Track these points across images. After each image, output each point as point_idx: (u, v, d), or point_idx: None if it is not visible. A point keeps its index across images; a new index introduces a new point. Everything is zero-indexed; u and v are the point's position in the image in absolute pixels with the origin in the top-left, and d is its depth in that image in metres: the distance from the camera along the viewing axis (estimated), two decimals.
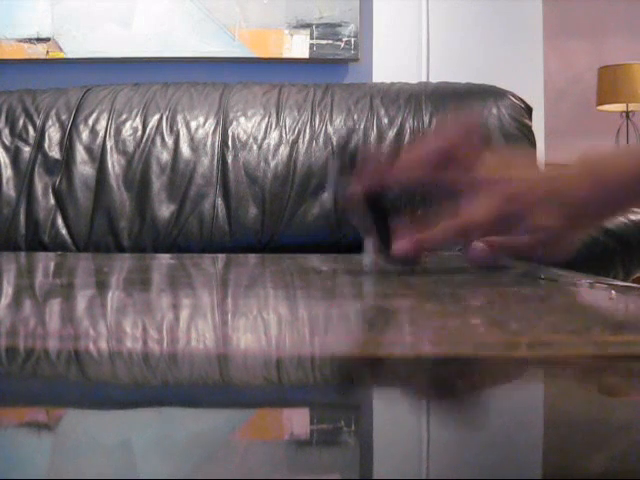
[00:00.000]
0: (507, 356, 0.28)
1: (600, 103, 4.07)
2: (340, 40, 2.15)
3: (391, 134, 1.77)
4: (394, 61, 2.19)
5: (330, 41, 2.15)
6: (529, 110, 1.85)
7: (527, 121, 1.83)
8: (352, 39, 2.15)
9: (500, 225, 0.57)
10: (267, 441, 0.19)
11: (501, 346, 0.30)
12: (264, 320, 0.38)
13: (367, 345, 0.31)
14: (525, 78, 2.17)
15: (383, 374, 0.26)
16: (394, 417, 0.21)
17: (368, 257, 0.60)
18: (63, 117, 1.81)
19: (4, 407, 0.22)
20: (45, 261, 0.96)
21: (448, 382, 0.25)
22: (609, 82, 3.97)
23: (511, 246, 0.58)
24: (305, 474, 0.17)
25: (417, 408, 0.22)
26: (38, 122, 1.81)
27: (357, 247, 0.72)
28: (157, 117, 1.81)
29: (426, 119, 1.78)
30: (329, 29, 2.16)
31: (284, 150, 1.77)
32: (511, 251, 0.59)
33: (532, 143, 1.82)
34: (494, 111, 1.79)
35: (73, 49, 2.13)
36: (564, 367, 0.27)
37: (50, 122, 1.81)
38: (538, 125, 2.02)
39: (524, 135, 1.80)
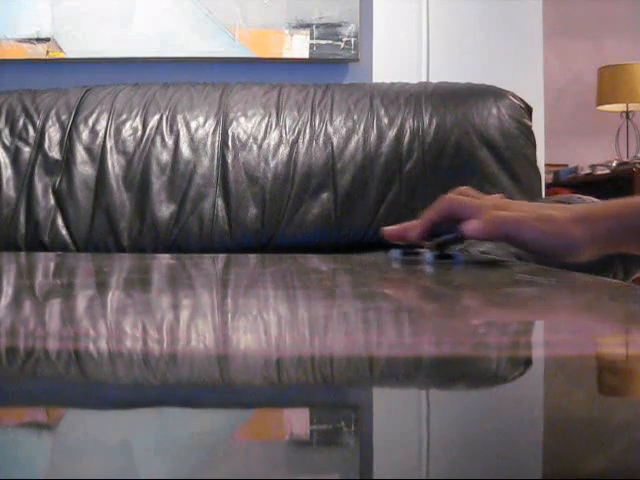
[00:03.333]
0: (506, 356, 0.28)
1: (600, 103, 4.08)
2: (340, 40, 2.15)
3: (391, 134, 1.77)
4: (394, 61, 2.19)
5: (330, 41, 2.15)
6: (529, 110, 1.85)
7: (527, 121, 1.83)
8: (352, 39, 2.15)
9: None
10: (267, 441, 0.19)
11: (501, 346, 0.30)
12: (264, 320, 0.38)
13: (367, 345, 0.31)
14: (525, 78, 2.17)
15: (383, 374, 0.26)
16: (394, 417, 0.21)
17: (394, 253, 0.75)
18: (63, 117, 1.81)
19: (4, 407, 0.22)
20: (45, 261, 0.96)
21: (448, 382, 0.25)
22: (609, 82, 3.97)
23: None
24: (305, 474, 0.17)
25: (417, 408, 0.22)
26: (38, 122, 1.81)
27: (355, 247, 0.82)
28: (157, 117, 1.81)
29: (426, 119, 1.78)
30: (329, 29, 2.16)
31: (284, 150, 1.77)
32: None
33: (532, 143, 1.83)
34: (494, 111, 1.79)
35: (73, 49, 2.13)
36: (563, 367, 0.27)
37: (50, 122, 1.81)
38: (538, 125, 2.02)
39: (524, 135, 1.80)
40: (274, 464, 0.17)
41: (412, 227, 0.71)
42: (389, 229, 0.73)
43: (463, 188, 0.75)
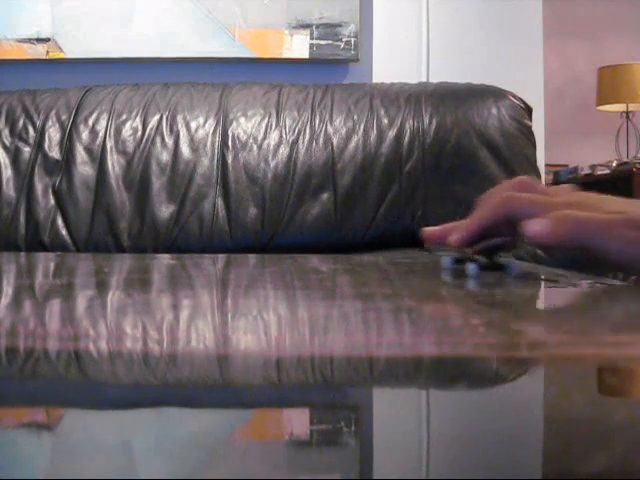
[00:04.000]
0: (508, 356, 0.28)
1: (600, 103, 4.08)
2: (340, 40, 2.15)
3: (391, 134, 1.77)
4: (394, 61, 2.19)
5: (330, 41, 2.15)
6: (529, 110, 1.85)
7: (527, 121, 1.83)
8: (352, 39, 2.15)
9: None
10: (267, 441, 0.19)
11: (502, 346, 0.30)
12: (264, 320, 0.38)
13: (367, 345, 0.31)
14: (525, 78, 2.17)
15: (383, 374, 0.26)
16: (394, 417, 0.21)
17: (445, 261, 0.59)
18: (63, 117, 1.81)
19: (4, 407, 0.22)
20: (45, 261, 0.96)
21: (448, 382, 0.25)
22: (609, 82, 3.97)
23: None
24: (305, 474, 0.17)
25: (417, 408, 0.22)
26: (38, 122, 1.81)
27: (356, 248, 0.75)
28: (157, 117, 1.81)
29: (426, 119, 1.78)
30: (329, 29, 2.16)
31: (284, 150, 1.77)
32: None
33: (532, 143, 1.83)
34: (494, 111, 1.79)
35: (73, 49, 2.13)
36: (564, 367, 0.27)
37: (50, 122, 1.81)
38: (538, 125, 2.02)
39: (524, 135, 1.80)
40: (274, 464, 0.17)
41: (457, 229, 0.57)
42: (429, 230, 0.60)
43: (522, 178, 0.60)
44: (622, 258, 0.50)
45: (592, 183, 3.76)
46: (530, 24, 2.23)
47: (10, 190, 1.77)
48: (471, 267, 0.54)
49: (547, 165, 2.62)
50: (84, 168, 1.77)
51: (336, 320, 0.37)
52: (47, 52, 2.13)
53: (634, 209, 0.52)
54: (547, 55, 2.32)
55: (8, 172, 1.78)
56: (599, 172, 3.85)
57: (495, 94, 1.83)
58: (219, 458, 0.17)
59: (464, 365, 0.27)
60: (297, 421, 0.21)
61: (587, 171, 3.95)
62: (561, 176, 4.09)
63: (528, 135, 1.81)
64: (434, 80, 1.98)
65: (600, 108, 4.12)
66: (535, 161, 1.83)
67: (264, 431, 0.20)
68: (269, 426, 0.20)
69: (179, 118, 1.80)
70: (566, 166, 4.10)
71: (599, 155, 4.04)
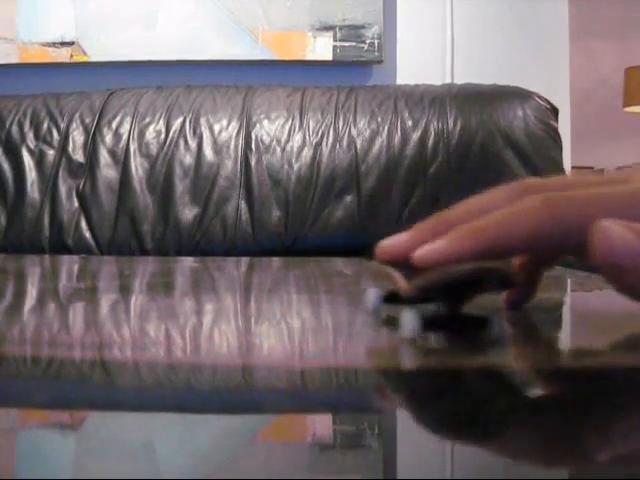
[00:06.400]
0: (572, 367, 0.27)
1: (627, 104, 4.03)
2: (364, 42, 2.14)
3: (415, 136, 1.76)
4: (418, 63, 2.18)
5: (353, 43, 2.15)
6: (555, 111, 1.83)
7: (553, 123, 1.81)
8: (376, 41, 2.14)
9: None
10: (288, 446, 0.18)
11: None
12: (288, 326, 0.37)
13: (391, 354, 0.30)
14: (551, 79, 2.15)
15: (411, 384, 0.25)
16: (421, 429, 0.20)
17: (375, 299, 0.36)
18: (87, 120, 1.82)
19: (30, 409, 0.22)
20: (69, 264, 0.96)
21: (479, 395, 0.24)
22: (636, 83, 3.92)
23: None
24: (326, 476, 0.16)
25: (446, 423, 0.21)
26: (62, 125, 1.82)
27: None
28: (180, 120, 1.81)
29: (450, 121, 1.76)
30: (352, 31, 2.15)
31: (307, 153, 1.76)
32: None
33: (558, 145, 1.81)
34: (519, 113, 1.77)
35: (97, 52, 2.14)
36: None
37: (74, 125, 1.82)
38: (564, 127, 2.00)
39: (550, 137, 1.78)
40: (295, 469, 0.16)
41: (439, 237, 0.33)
42: (388, 245, 0.34)
43: (527, 182, 0.36)
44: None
45: None
46: (556, 24, 2.21)
47: (34, 193, 1.78)
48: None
49: (573, 167, 2.60)
50: (108, 171, 1.78)
51: (359, 326, 0.36)
52: (71, 55, 2.14)
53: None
54: (573, 55, 2.30)
55: (32, 175, 1.79)
56: None
57: (520, 95, 1.81)
58: (241, 462, 0.17)
59: None
60: (321, 429, 0.20)
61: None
62: None
63: (554, 137, 1.79)
64: (458, 81, 1.97)
65: (627, 109, 4.08)
66: (562, 163, 1.81)
67: (286, 437, 0.19)
68: (291, 432, 0.20)
69: (202, 121, 1.80)
70: (592, 168, 4.07)
71: (626, 157, 4.00)
